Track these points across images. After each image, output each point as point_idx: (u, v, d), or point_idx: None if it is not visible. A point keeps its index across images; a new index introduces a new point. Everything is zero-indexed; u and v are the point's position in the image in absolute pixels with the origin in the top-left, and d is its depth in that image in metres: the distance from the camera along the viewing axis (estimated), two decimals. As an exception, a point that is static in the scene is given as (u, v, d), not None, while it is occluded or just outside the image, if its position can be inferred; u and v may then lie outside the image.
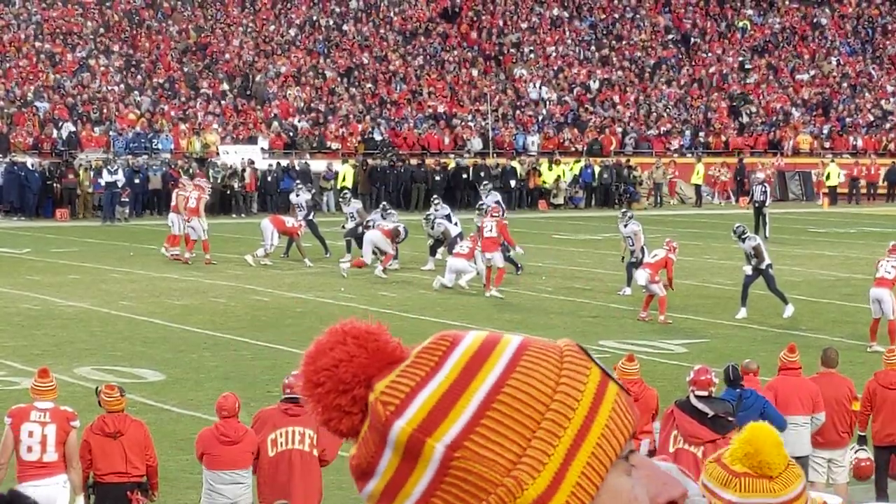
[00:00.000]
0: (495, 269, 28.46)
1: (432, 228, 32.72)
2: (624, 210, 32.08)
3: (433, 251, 33.10)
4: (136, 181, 46.40)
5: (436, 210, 33.65)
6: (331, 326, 1.74)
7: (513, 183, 50.38)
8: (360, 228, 33.26)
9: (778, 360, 14.56)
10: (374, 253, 31.71)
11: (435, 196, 36.91)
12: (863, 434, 14.59)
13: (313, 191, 45.70)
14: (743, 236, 26.02)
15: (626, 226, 29.22)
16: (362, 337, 1.71)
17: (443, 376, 1.67)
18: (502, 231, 29.37)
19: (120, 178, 45.25)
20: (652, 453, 12.50)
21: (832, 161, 56.41)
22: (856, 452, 14.00)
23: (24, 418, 12.05)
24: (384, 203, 35.85)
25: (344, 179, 49.04)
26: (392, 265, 32.41)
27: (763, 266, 25.47)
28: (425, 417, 1.65)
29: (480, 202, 34.12)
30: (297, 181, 41.45)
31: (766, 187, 43.22)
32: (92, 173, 45.77)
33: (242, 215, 46.62)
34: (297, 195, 35.58)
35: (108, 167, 45.47)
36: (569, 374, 1.67)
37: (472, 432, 1.64)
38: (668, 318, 25.28)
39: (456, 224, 33.38)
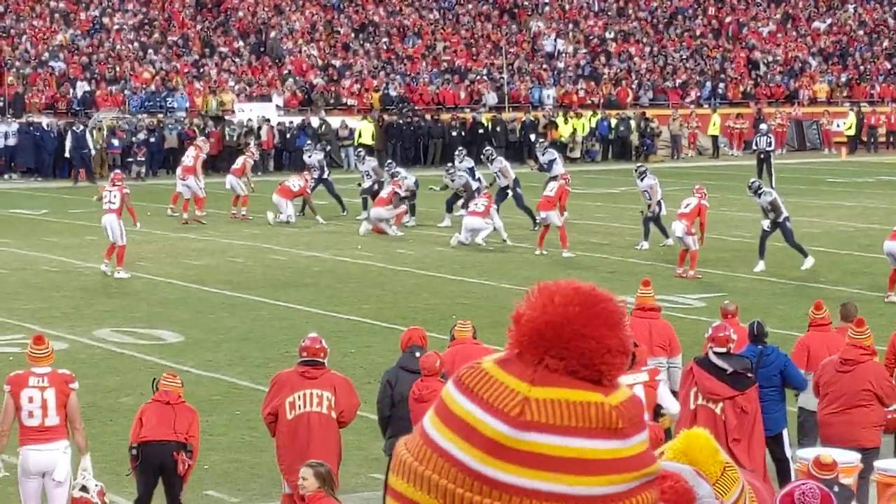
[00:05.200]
0: (554, 228, 27.92)
1: (452, 181, 32.58)
2: (638, 165, 31.94)
3: (450, 208, 33.04)
4: (152, 140, 46.47)
5: (459, 162, 33.55)
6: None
7: (533, 137, 50.03)
8: (376, 186, 33.24)
9: (807, 316, 14.57)
10: (385, 221, 31.44)
11: (461, 148, 36.71)
12: None
13: (328, 148, 45.72)
14: (759, 191, 25.94)
15: (641, 180, 29.14)
16: None
17: None
18: (561, 195, 29.02)
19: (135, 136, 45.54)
20: (657, 409, 12.32)
21: (850, 110, 56.16)
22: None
23: (23, 384, 12.08)
24: (389, 161, 35.63)
25: (361, 136, 48.89)
26: (408, 221, 32.34)
27: (780, 219, 25.39)
28: None
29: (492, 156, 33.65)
30: (308, 142, 41.62)
31: (770, 138, 43.17)
32: (105, 133, 45.92)
33: (259, 173, 46.57)
34: (310, 156, 35.82)
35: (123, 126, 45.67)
36: None
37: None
38: (697, 272, 25.21)
39: (478, 179, 33.26)
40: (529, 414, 1.76)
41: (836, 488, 8.50)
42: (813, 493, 6.61)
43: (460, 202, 32.40)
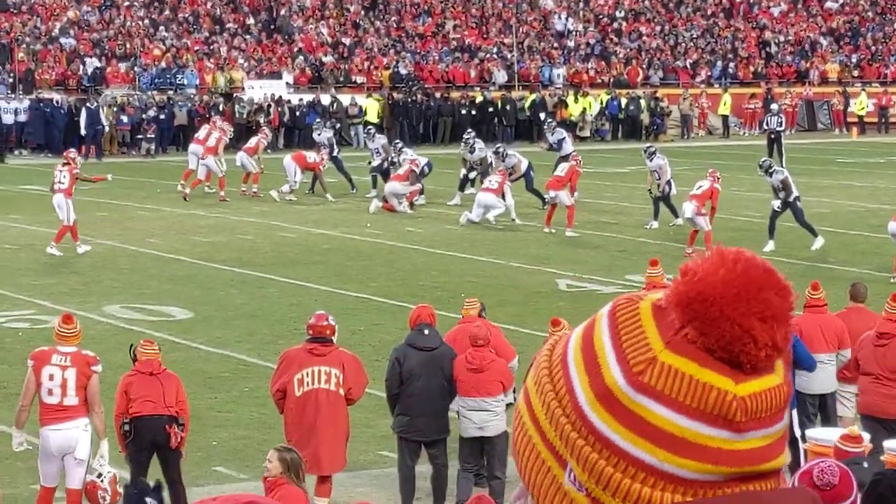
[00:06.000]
0: (562, 207, 28.02)
1: (471, 152, 32.60)
2: (647, 145, 31.91)
3: (462, 187, 33.01)
4: (162, 117, 46.45)
5: (470, 151, 33.21)
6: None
7: (542, 115, 49.94)
8: (386, 164, 33.21)
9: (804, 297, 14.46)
10: (397, 197, 31.42)
11: (470, 130, 36.50)
12: None
13: (337, 125, 45.70)
14: (770, 170, 25.90)
15: (650, 160, 29.12)
16: None
17: None
18: (572, 176, 29.23)
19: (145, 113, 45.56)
20: None
21: (862, 90, 55.97)
22: None
23: (46, 361, 12.06)
24: (397, 142, 35.57)
25: (366, 114, 48.84)
26: (419, 200, 32.33)
27: (791, 199, 25.35)
28: None
29: (499, 146, 33.89)
30: (318, 120, 41.60)
31: (781, 118, 43.13)
32: (115, 109, 45.93)
33: (268, 151, 46.51)
34: (319, 134, 35.86)
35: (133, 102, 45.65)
36: None
37: None
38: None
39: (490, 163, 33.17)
40: (649, 376, 1.65)
41: (865, 464, 8.47)
42: (832, 470, 6.60)
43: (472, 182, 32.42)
